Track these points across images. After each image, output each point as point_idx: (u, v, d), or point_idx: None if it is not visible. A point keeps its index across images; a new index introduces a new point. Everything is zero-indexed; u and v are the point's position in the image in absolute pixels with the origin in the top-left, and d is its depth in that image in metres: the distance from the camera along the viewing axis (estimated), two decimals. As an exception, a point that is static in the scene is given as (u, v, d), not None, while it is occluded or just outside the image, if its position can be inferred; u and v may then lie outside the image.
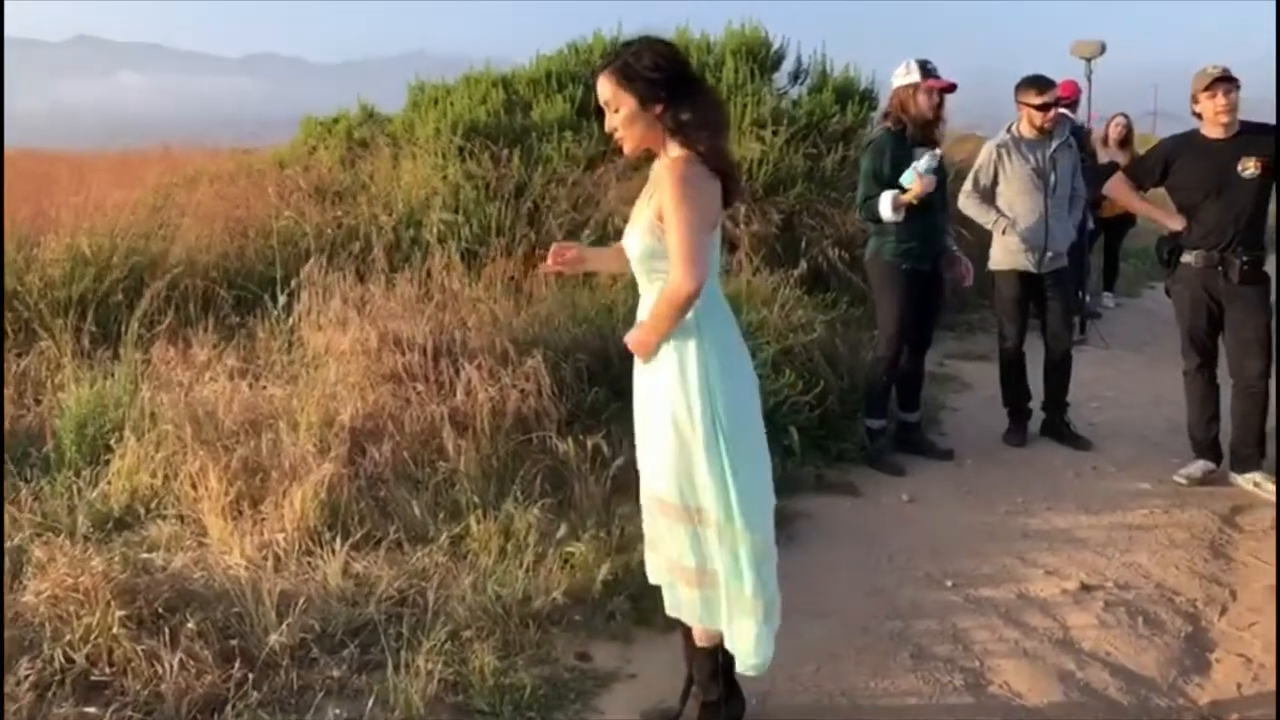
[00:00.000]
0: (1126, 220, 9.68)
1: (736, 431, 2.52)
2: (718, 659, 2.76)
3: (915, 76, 4.80)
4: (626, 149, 2.55)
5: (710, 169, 2.47)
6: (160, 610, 2.97)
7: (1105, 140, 9.29)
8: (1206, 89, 4.73)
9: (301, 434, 4.02)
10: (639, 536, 3.63)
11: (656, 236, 2.48)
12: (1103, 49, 7.47)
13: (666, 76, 2.47)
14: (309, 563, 3.44)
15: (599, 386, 4.67)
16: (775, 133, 7.50)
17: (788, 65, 8.54)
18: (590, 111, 7.97)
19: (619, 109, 2.49)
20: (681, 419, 2.51)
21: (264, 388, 4.65)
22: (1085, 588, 3.80)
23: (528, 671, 2.99)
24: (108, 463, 4.12)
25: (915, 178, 4.71)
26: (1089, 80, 8.17)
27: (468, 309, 5.11)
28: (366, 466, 3.97)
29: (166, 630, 2.88)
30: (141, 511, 3.89)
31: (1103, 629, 3.50)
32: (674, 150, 2.48)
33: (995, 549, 4.15)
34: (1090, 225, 7.96)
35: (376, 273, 5.42)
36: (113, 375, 4.80)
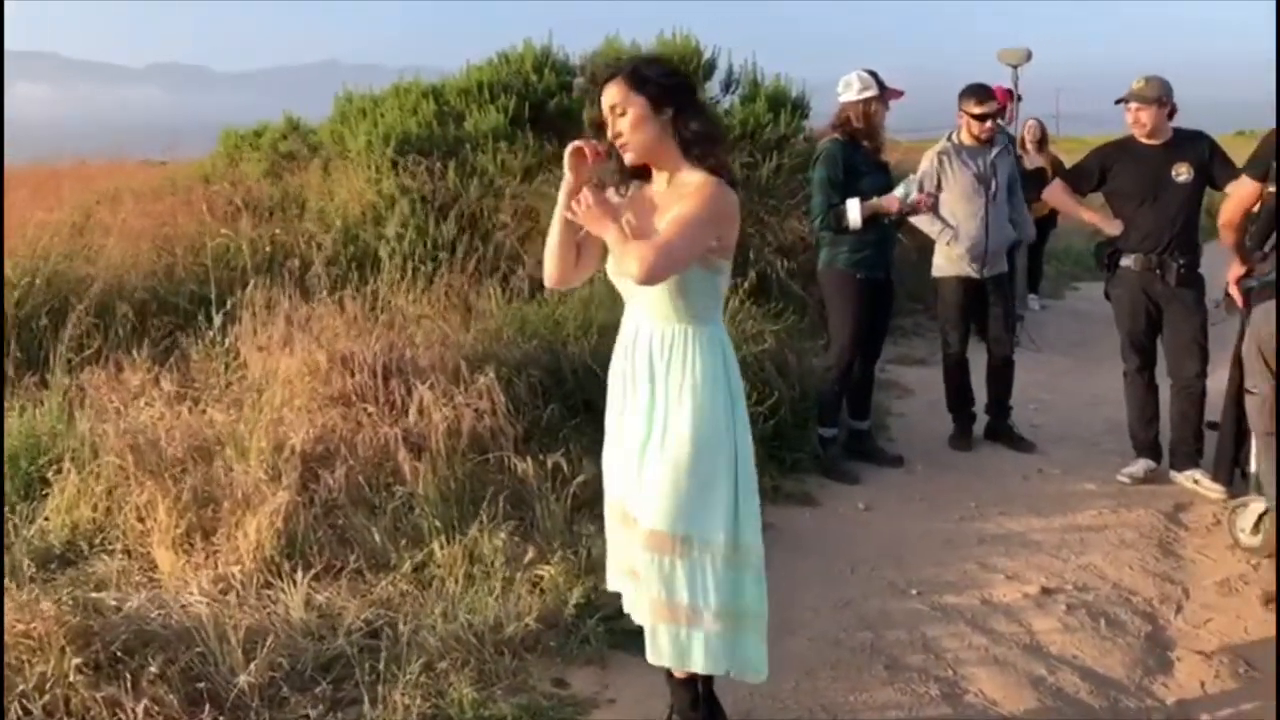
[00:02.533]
0: (1049, 222, 9.91)
1: (746, 464, 2.57)
2: (696, 687, 2.74)
3: (872, 89, 4.87)
4: (630, 156, 2.51)
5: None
6: (118, 654, 2.84)
7: (1022, 144, 9.51)
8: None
9: (251, 461, 3.88)
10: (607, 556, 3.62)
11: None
12: (1029, 56, 7.64)
13: (676, 84, 2.51)
14: (269, 595, 3.33)
15: (553, 403, 4.60)
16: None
17: (719, 75, 8.57)
18: (524, 122, 7.91)
19: (627, 111, 2.46)
20: (712, 452, 2.51)
21: (204, 412, 4.50)
22: (1046, 591, 3.85)
23: (507, 702, 2.92)
24: (45, 496, 3.94)
25: (912, 190, 4.87)
26: (1016, 87, 8.34)
27: (415, 326, 5.01)
28: (321, 493, 3.85)
29: (127, 675, 2.74)
30: (84, 547, 3.71)
31: (1067, 632, 3.55)
32: (693, 169, 2.48)
33: (955, 555, 4.19)
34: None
35: (318, 291, 5.28)
36: (42, 403, 4.60)
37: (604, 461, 2.80)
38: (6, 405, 4.56)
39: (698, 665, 2.60)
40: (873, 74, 4.92)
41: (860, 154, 4.92)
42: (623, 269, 2.44)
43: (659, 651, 2.60)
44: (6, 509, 3.87)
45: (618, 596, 3.38)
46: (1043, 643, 3.48)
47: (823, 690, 3.15)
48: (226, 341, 5.19)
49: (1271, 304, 3.88)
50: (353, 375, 4.45)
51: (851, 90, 4.93)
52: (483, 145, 7.39)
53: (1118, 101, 4.86)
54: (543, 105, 8.17)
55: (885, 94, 4.93)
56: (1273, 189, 4.04)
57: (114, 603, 3.11)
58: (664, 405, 2.58)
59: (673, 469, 2.52)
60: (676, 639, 2.58)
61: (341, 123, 8.37)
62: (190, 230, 6.36)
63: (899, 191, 4.96)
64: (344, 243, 6.21)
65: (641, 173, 2.60)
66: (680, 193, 2.49)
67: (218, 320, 5.30)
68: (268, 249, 5.89)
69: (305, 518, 3.67)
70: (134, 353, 5.15)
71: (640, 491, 2.61)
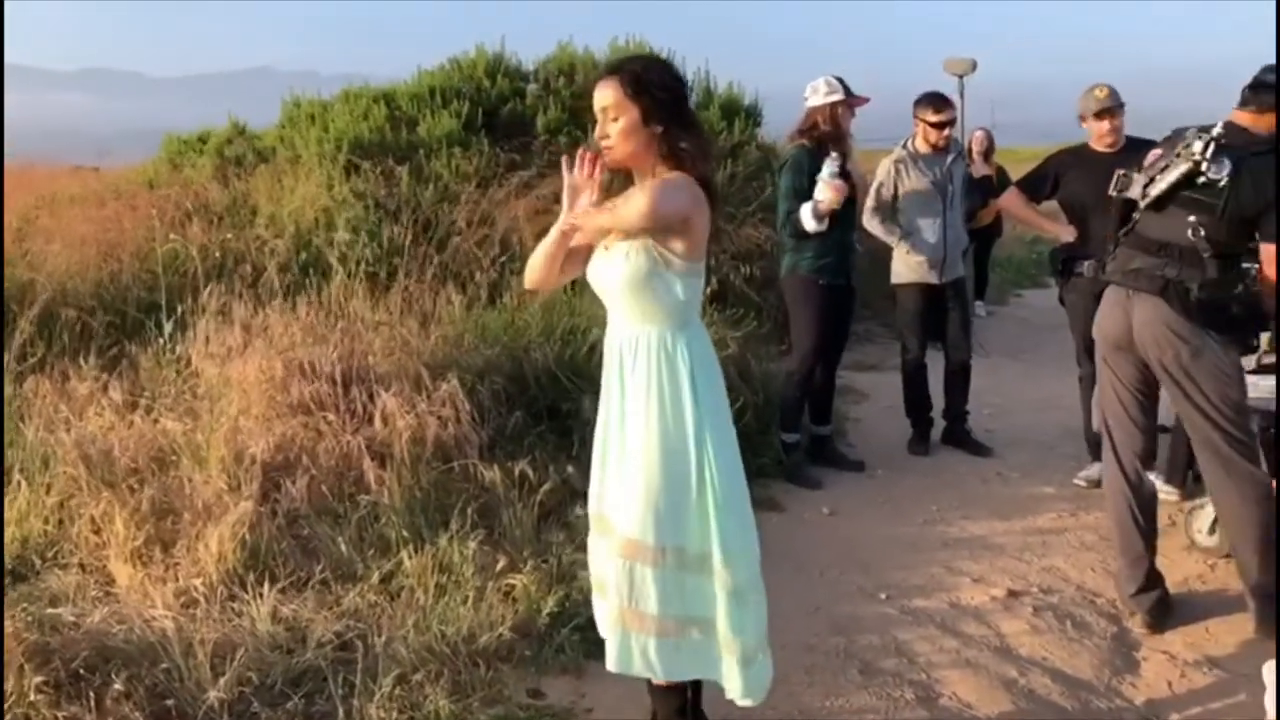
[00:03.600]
0: (994, 230, 10.07)
1: (726, 477, 2.49)
2: (685, 694, 2.70)
3: (839, 94, 4.90)
4: (612, 158, 2.47)
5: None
6: (80, 671, 2.75)
7: (969, 154, 9.65)
8: (1096, 114, 4.94)
9: (212, 471, 3.79)
10: (578, 564, 3.58)
11: (652, 254, 2.42)
12: (974, 66, 7.75)
13: (673, 98, 2.44)
14: (233, 609, 3.24)
15: (518, 410, 4.56)
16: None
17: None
18: (479, 127, 7.84)
19: (618, 118, 2.41)
20: (674, 460, 2.45)
21: (156, 421, 4.39)
22: (1012, 594, 3.89)
23: (483, 713, 2.87)
24: (-6, 509, 3.81)
25: (825, 186, 4.78)
26: (961, 96, 8.47)
27: (373, 333, 4.93)
28: (283, 503, 3.77)
29: (90, 693, 2.65)
30: (36, 561, 3.61)
31: (1035, 634, 3.58)
32: (664, 171, 2.44)
33: (920, 559, 4.21)
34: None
35: (273, 297, 5.18)
36: (-14, 413, 4.46)
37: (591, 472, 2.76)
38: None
39: (657, 673, 2.57)
40: (840, 80, 4.94)
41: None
42: (630, 212, 2.40)
43: (624, 659, 2.55)
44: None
45: (591, 606, 3.36)
46: (1012, 645, 3.51)
47: (799, 696, 3.15)
48: (178, 349, 5.08)
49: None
50: (312, 383, 4.37)
51: (819, 94, 4.96)
52: (437, 151, 7.31)
53: (1097, 113, 4.91)
54: (496, 111, 8.12)
55: (851, 100, 4.96)
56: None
57: (72, 618, 3.01)
58: (633, 411, 2.55)
59: (643, 476, 2.48)
60: (637, 647, 2.53)
61: (291, 127, 8.24)
62: (137, 236, 6.21)
63: (824, 172, 4.86)
64: (298, 249, 6.10)
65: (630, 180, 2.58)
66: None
67: (169, 327, 5.19)
68: (219, 255, 5.76)
69: (268, 528, 3.59)
70: (80, 361, 5.02)
71: (616, 498, 2.58)
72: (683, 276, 2.48)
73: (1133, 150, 4.98)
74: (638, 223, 2.40)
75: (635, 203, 2.39)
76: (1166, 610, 3.68)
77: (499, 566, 3.46)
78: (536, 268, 2.61)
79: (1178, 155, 3.42)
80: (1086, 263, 5.02)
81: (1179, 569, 4.13)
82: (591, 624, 3.23)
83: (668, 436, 2.46)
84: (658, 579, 2.49)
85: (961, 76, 7.51)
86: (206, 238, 6.11)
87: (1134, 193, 3.60)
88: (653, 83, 2.43)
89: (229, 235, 6.05)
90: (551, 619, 3.29)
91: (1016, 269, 12.92)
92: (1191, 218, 3.39)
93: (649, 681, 2.72)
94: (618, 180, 2.59)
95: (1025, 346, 9.02)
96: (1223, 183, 3.33)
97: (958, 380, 5.72)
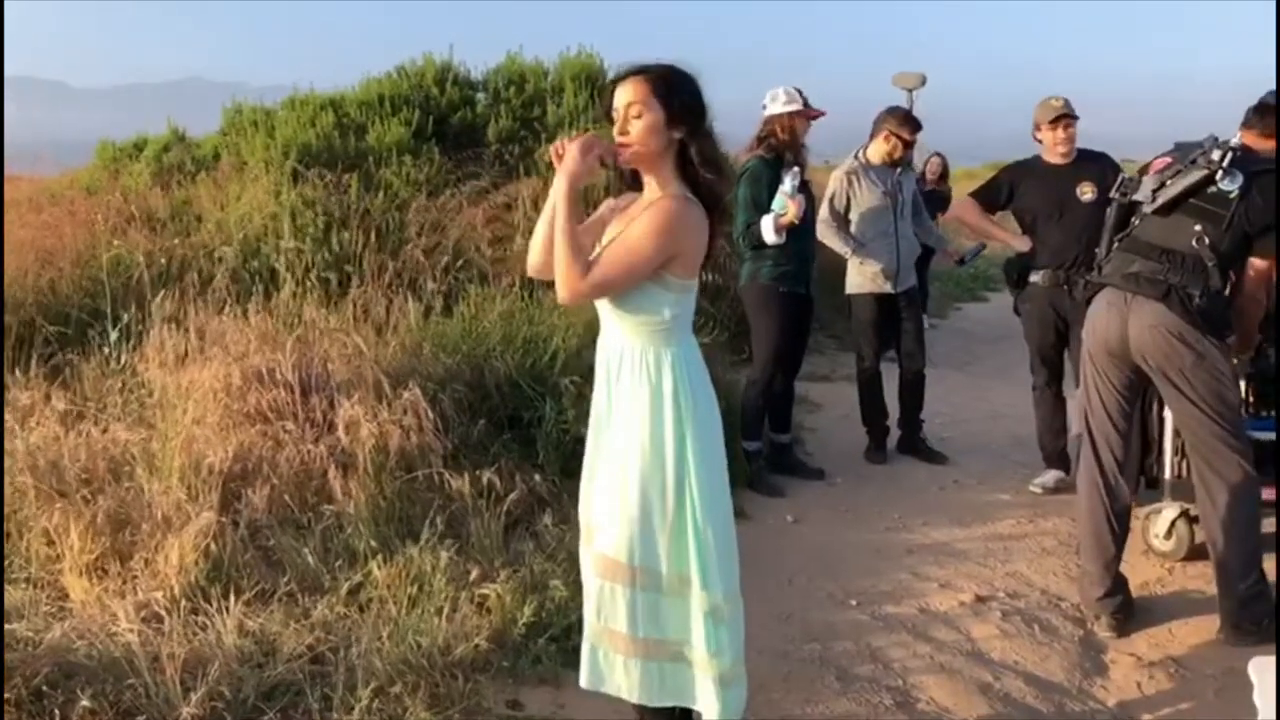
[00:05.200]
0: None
1: (708, 497, 2.44)
2: (674, 711, 2.65)
3: (797, 104, 4.93)
4: (627, 155, 2.40)
5: (705, 208, 2.40)
6: (42, 689, 2.63)
7: (924, 178, 9.81)
8: (1051, 122, 5.03)
9: (172, 481, 3.67)
10: (549, 574, 3.54)
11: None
12: (923, 81, 7.85)
13: (698, 108, 2.40)
14: (197, 622, 3.13)
15: (480, 419, 4.49)
16: (615, 160, 7.48)
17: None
18: (428, 136, 7.76)
19: (642, 115, 2.35)
20: (651, 480, 2.40)
21: (105, 430, 4.25)
22: (980, 599, 3.92)
23: (464, 725, 2.81)
24: (-64, 523, 3.65)
25: (786, 200, 4.80)
26: (912, 110, 8.56)
27: (328, 341, 4.83)
28: (245, 513, 3.67)
29: (55, 711, 2.55)
30: (-18, 576, 3.45)
31: (1005, 638, 3.62)
32: (673, 186, 2.40)
33: (887, 565, 4.23)
34: None
35: (224, 305, 5.06)
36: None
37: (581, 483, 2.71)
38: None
39: (633, 696, 2.52)
40: (798, 91, 4.97)
41: (783, 171, 4.94)
42: (557, 280, 2.36)
43: (594, 677, 2.52)
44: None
45: (566, 615, 3.32)
46: (984, 649, 3.54)
47: (778, 703, 3.14)
48: (124, 357, 4.93)
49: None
50: (269, 391, 4.27)
51: (778, 103, 4.98)
52: (386, 159, 7.21)
53: (1051, 121, 5.00)
54: (446, 120, 8.04)
55: (808, 112, 5.00)
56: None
57: (31, 634, 2.88)
58: (606, 424, 2.52)
59: (620, 494, 2.45)
60: (606, 665, 2.51)
61: (236, 134, 8.07)
62: (77, 243, 6.02)
63: (785, 186, 4.88)
64: (246, 256, 5.97)
65: (636, 183, 2.53)
66: (644, 208, 2.43)
67: (114, 335, 5.04)
68: (165, 262, 5.61)
69: (231, 539, 3.48)
70: (18, 370, 4.85)
71: (594, 515, 2.55)
72: (673, 294, 2.43)
73: (1085, 162, 5.11)
74: (560, 294, 2.36)
75: (565, 276, 2.34)
76: (1130, 613, 3.73)
77: (473, 576, 3.39)
78: (537, 251, 2.53)
79: (1193, 162, 3.48)
80: (1041, 272, 5.12)
81: (1138, 573, 4.19)
82: (567, 634, 3.22)
83: (645, 455, 2.41)
84: (631, 599, 2.44)
85: (911, 90, 7.60)
86: (151, 244, 5.94)
87: (1141, 195, 3.65)
88: (681, 88, 2.39)
89: (176, 241, 5.89)
90: (527, 629, 3.24)
91: (955, 283, 13.14)
92: (1197, 226, 3.45)
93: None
94: (613, 180, 2.56)
95: (968, 358, 9.17)
96: (1233, 195, 3.40)
97: (913, 389, 5.77)
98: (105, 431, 4.23)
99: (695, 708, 2.52)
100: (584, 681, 2.54)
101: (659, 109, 2.36)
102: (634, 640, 2.46)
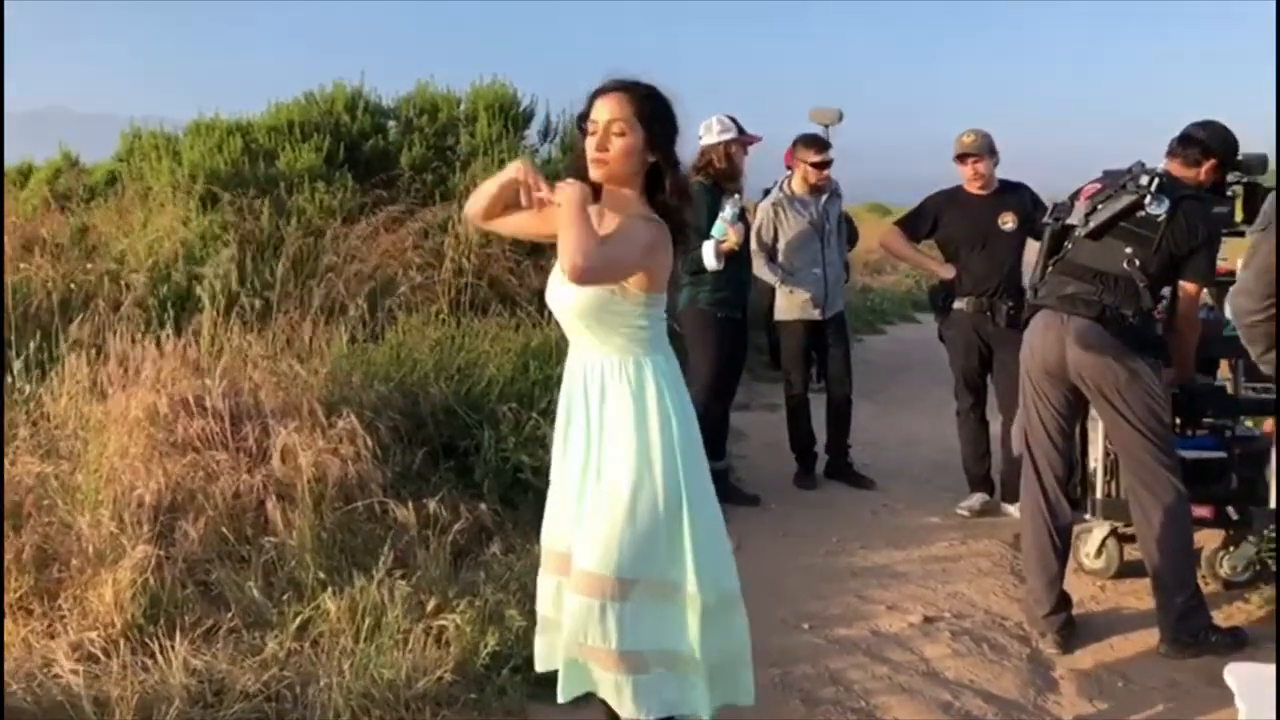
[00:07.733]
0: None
1: (698, 501, 2.45)
2: None
3: (732, 132, 4.97)
4: (600, 174, 2.38)
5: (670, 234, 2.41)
6: (-19, 736, 2.44)
7: None
8: (957, 157, 5.20)
9: (102, 514, 3.47)
10: (503, 604, 3.45)
11: (608, 286, 2.36)
12: (840, 116, 8.00)
13: (672, 133, 2.42)
14: (138, 663, 2.95)
15: (419, 447, 4.37)
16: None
17: (537, 123, 8.55)
18: (340, 163, 7.60)
19: (625, 135, 2.34)
20: (642, 487, 2.38)
21: (13, 463, 4.00)
22: (928, 620, 3.96)
23: (434, 762, 2.70)
24: None
25: (727, 228, 4.83)
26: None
27: (253, 368, 4.66)
28: (181, 547, 3.48)
29: (-3, 760, 2.36)
30: (-109, 620, 3.19)
31: (957, 658, 3.66)
32: (636, 206, 2.41)
33: (833, 589, 4.25)
34: None
35: (137, 332, 4.82)
36: None
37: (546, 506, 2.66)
38: None
39: (627, 710, 2.48)
40: (732, 119, 5.02)
41: (723, 198, 4.98)
42: (563, 257, 2.28)
43: (569, 687, 2.50)
44: None
45: (526, 646, 3.22)
46: (938, 669, 3.57)
47: (747, 728, 3.09)
48: (28, 387, 4.67)
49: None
50: (198, 420, 4.08)
51: (712, 133, 5.02)
52: (299, 185, 7.03)
53: (957, 157, 5.16)
54: (358, 146, 7.89)
55: (744, 138, 5.06)
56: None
57: (-41, 679, 2.67)
58: (598, 440, 2.49)
59: (609, 509, 2.42)
60: (606, 682, 2.46)
61: (138, 159, 7.78)
62: (-32, 273, 5.68)
63: (726, 213, 4.92)
64: (156, 282, 5.72)
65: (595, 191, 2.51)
66: (614, 216, 2.43)
67: (18, 365, 4.77)
68: (72, 288, 5.35)
69: (169, 574, 3.30)
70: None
71: (579, 532, 2.49)
72: (641, 306, 2.43)
73: (1005, 193, 5.28)
74: (578, 263, 2.27)
75: (635, 240, 2.33)
76: (1074, 630, 3.82)
77: (430, 607, 3.28)
78: (478, 201, 2.52)
79: (1122, 187, 3.62)
80: (965, 299, 5.26)
81: (1073, 591, 4.26)
82: (529, 664, 3.10)
83: (633, 463, 2.41)
84: (622, 613, 2.41)
85: (828, 126, 7.75)
86: (53, 271, 5.66)
87: (1074, 219, 3.77)
88: (663, 113, 2.40)
89: (87, 266, 5.62)
90: (491, 659, 3.14)
91: (854, 315, 13.39)
92: (1128, 249, 3.59)
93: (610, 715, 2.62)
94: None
95: (873, 388, 9.26)
96: (1161, 218, 3.54)
97: (840, 414, 5.85)
98: (14, 464, 3.98)
99: (702, 714, 2.50)
100: (560, 696, 2.51)
101: (641, 131, 2.36)
102: (622, 655, 2.42)
